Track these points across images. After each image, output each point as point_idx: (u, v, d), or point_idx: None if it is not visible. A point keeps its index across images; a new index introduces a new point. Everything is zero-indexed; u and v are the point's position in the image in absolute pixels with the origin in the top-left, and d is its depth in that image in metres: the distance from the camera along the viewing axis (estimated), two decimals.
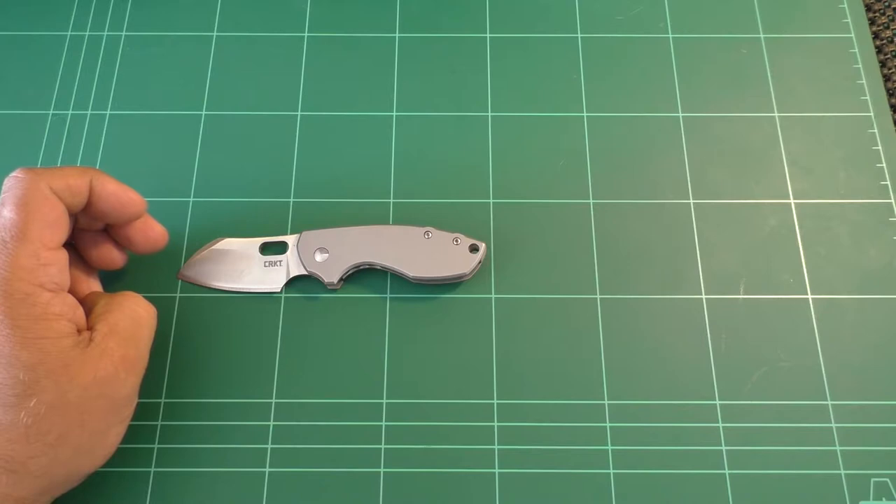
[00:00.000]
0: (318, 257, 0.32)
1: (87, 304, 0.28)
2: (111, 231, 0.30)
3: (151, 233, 0.30)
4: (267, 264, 0.33)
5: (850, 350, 0.32)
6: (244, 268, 0.33)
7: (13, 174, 0.26)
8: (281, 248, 0.33)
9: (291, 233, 0.34)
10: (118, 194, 0.28)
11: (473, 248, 0.32)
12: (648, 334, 0.32)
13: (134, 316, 0.28)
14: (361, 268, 0.32)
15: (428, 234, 0.32)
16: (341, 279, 0.32)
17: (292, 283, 0.33)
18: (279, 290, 0.33)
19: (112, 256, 0.31)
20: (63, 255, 0.26)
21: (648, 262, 0.33)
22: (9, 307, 0.24)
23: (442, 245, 0.32)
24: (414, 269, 0.32)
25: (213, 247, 0.33)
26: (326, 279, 0.32)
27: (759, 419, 0.31)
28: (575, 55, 0.38)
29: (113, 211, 0.28)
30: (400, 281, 0.33)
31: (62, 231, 0.26)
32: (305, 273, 0.32)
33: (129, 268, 0.33)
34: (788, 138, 0.36)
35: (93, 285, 0.31)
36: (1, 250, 0.24)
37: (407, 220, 0.34)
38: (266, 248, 0.33)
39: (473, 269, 0.32)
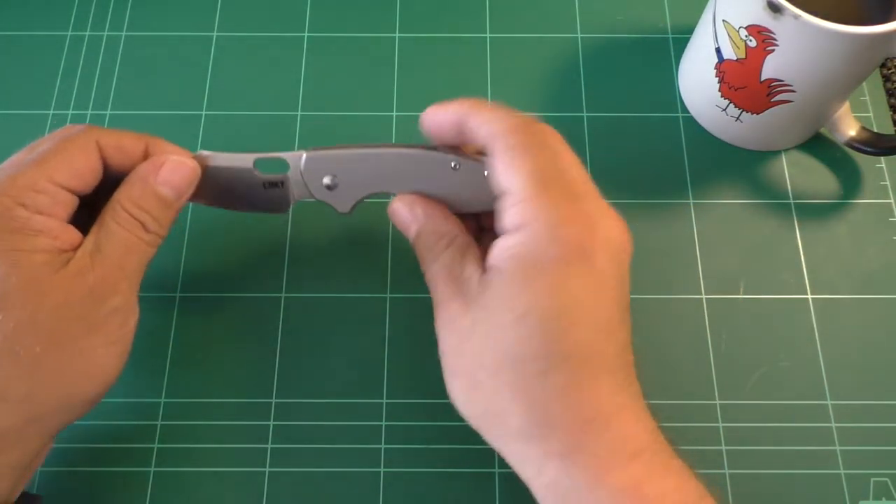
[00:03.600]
0: (327, 180, 0.29)
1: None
2: None
3: None
4: (267, 185, 0.29)
5: (850, 350, 0.32)
6: (244, 190, 0.29)
7: (72, 124, 0.26)
8: (281, 166, 0.29)
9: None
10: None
11: None
12: (648, 334, 0.32)
13: (126, 241, 0.26)
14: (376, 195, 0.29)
15: (456, 165, 0.28)
16: (353, 207, 0.30)
17: (294, 279, 0.33)
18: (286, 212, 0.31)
19: None
20: (65, 197, 0.25)
21: (648, 262, 0.33)
22: None
23: (471, 178, 0.28)
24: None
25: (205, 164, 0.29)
26: (339, 209, 0.29)
27: (759, 419, 0.31)
28: (575, 55, 0.38)
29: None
30: (400, 281, 0.33)
31: (80, 182, 0.26)
32: (312, 200, 0.29)
33: None
34: None
35: None
36: (12, 165, 0.25)
37: None
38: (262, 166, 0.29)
39: None
